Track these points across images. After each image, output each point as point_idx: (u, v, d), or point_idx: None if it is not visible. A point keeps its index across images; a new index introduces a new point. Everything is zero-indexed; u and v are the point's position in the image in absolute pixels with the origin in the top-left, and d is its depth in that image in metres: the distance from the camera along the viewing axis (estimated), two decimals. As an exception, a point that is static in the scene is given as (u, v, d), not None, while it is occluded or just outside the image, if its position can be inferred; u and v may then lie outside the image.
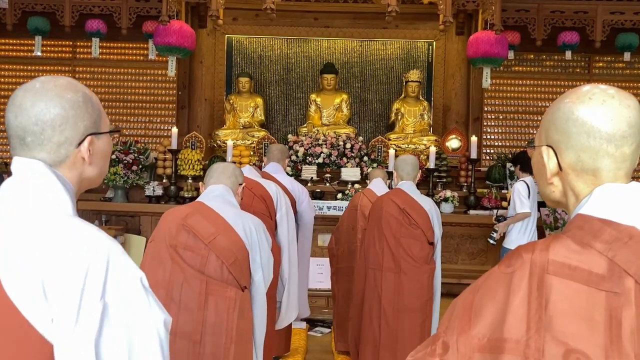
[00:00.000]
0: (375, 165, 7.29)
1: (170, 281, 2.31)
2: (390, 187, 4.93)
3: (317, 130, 7.74)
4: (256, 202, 3.71)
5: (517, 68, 8.11)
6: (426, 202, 3.78)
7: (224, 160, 7.07)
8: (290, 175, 7.24)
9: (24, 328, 0.96)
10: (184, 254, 2.32)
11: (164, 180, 7.20)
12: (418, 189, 3.86)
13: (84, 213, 7.06)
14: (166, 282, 2.31)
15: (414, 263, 3.58)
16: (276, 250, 3.88)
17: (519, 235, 5.32)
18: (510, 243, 5.33)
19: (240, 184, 2.62)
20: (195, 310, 2.28)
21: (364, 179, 7.19)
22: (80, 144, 1.18)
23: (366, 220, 4.00)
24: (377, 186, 4.83)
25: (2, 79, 8.14)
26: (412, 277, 3.56)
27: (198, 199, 2.52)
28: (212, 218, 2.39)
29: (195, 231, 2.34)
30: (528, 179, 5.65)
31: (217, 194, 2.49)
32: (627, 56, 7.39)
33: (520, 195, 5.37)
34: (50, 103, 1.15)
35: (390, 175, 5.82)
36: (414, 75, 7.96)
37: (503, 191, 7.04)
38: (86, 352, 0.97)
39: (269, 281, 2.49)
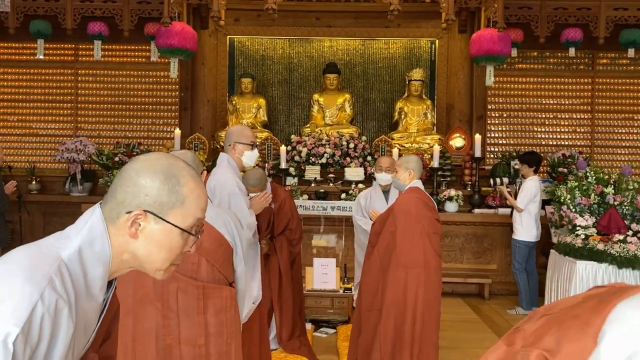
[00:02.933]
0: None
1: (164, 291, 2.31)
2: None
3: (320, 131, 7.72)
4: None
5: (520, 65, 8.08)
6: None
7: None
8: (294, 176, 7.25)
9: None
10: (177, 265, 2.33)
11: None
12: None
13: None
14: (159, 292, 2.31)
15: (438, 258, 3.69)
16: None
17: (526, 230, 6.05)
18: (520, 236, 6.07)
19: (201, 173, 2.59)
20: (195, 316, 2.29)
21: (368, 179, 7.17)
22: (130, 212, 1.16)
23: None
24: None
25: (5, 83, 8.15)
26: (438, 271, 3.66)
27: None
28: None
29: None
30: (535, 178, 6.01)
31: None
32: (631, 52, 7.35)
33: (527, 193, 5.96)
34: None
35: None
36: (417, 74, 7.93)
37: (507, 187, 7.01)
38: None
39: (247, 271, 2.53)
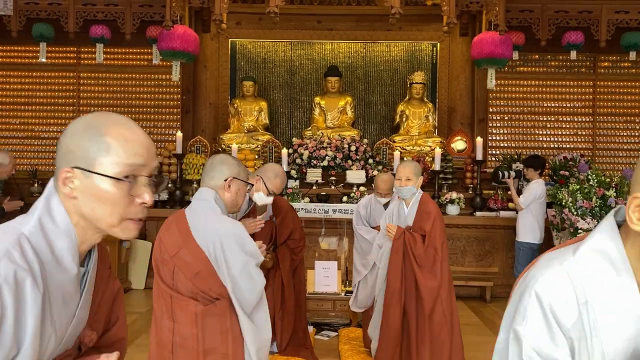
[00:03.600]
0: (380, 167, 7.27)
1: (156, 296, 2.37)
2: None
3: (322, 133, 7.73)
4: None
5: (521, 68, 8.09)
6: None
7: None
8: (296, 179, 7.25)
9: None
10: (161, 268, 2.34)
11: (169, 185, 7.20)
12: (424, 190, 3.88)
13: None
14: (156, 296, 2.37)
15: None
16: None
17: (532, 232, 6.03)
18: (524, 238, 6.04)
19: (227, 179, 2.39)
20: (165, 320, 2.31)
21: (369, 182, 7.18)
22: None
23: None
24: None
25: (8, 85, 8.18)
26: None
27: (190, 204, 2.46)
28: (183, 229, 2.32)
29: (163, 245, 2.34)
30: (541, 180, 6.04)
31: (202, 198, 2.40)
32: (632, 55, 7.35)
33: (532, 193, 5.95)
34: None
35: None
36: (419, 77, 7.94)
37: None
38: None
39: (252, 291, 2.29)
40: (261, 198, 3.51)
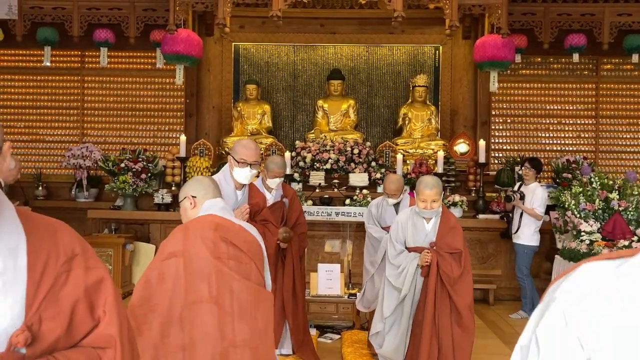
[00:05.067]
0: (383, 170, 7.28)
1: (219, 293, 2.25)
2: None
3: (325, 136, 7.75)
4: None
5: (524, 71, 8.09)
6: None
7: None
8: (299, 182, 7.27)
9: None
10: (230, 265, 2.30)
11: (173, 188, 7.23)
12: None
13: (93, 221, 7.11)
14: (214, 296, 2.24)
15: None
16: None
17: (533, 235, 6.07)
18: (527, 241, 6.07)
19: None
20: (250, 318, 2.29)
21: (372, 185, 7.19)
22: None
23: None
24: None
25: (12, 89, 8.22)
26: None
27: (207, 213, 2.45)
28: (236, 229, 2.41)
29: (233, 241, 2.34)
30: (537, 183, 6.07)
31: (222, 207, 2.50)
32: (635, 58, 7.34)
33: (541, 199, 6.00)
34: None
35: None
36: (421, 80, 7.95)
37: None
38: None
39: None
40: (237, 173, 3.55)
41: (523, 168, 6.29)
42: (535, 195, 6.03)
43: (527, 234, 6.06)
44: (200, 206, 2.49)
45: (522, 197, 6.08)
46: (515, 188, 6.33)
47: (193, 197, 2.50)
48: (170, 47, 6.52)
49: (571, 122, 8.10)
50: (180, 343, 2.21)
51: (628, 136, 8.05)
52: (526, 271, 6.07)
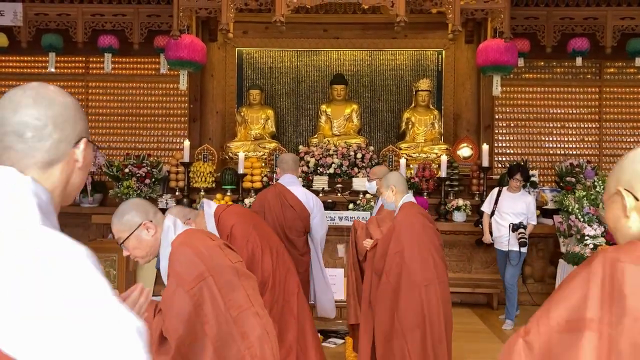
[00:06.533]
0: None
1: (249, 295, 2.20)
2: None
3: (328, 141, 7.76)
4: (287, 210, 4.25)
5: (527, 75, 8.10)
6: None
7: (235, 172, 7.13)
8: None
9: None
10: (241, 267, 2.28)
11: (177, 193, 7.25)
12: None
13: (97, 226, 7.12)
14: (251, 300, 2.20)
15: (447, 271, 3.66)
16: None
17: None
18: (515, 246, 5.78)
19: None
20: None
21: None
22: (76, 144, 1.15)
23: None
24: None
25: (17, 96, 8.26)
26: (448, 285, 3.64)
27: (181, 230, 2.37)
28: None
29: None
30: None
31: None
32: (638, 61, 7.34)
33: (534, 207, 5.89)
34: (53, 101, 1.16)
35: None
36: (424, 84, 7.97)
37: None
38: None
39: None
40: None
41: (513, 180, 5.92)
42: (534, 205, 5.95)
43: (512, 239, 5.81)
44: (168, 227, 2.36)
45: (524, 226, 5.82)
46: (494, 196, 6.05)
47: (150, 221, 2.34)
48: (174, 52, 6.55)
49: (574, 125, 8.10)
50: (242, 355, 2.10)
51: (631, 140, 8.04)
52: (517, 275, 6.03)
